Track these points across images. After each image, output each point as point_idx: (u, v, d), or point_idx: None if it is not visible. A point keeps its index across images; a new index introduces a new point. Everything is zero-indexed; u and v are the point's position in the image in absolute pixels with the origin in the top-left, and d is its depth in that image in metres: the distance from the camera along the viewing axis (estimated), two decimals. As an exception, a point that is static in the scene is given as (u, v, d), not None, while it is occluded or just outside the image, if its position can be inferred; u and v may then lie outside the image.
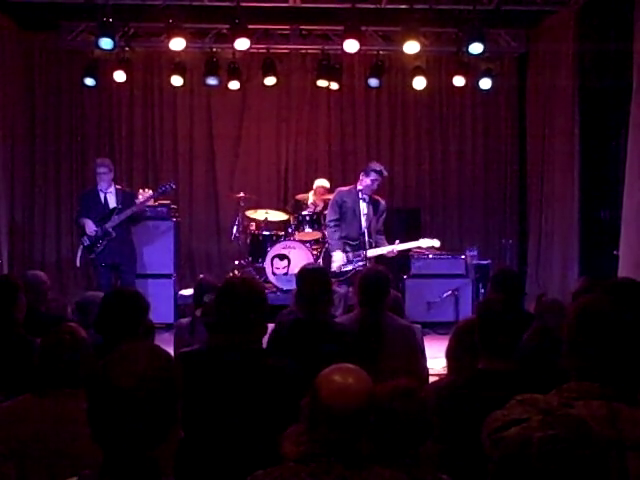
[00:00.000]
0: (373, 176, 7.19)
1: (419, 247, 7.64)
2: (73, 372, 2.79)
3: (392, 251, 7.25)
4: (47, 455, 2.63)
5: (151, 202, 8.41)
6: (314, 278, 4.00)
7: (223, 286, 3.23)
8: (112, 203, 7.93)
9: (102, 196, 7.94)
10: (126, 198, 8.01)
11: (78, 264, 8.12)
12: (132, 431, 1.64)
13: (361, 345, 3.86)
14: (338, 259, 7.24)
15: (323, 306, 3.92)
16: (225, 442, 2.84)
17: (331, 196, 7.97)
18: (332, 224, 7.40)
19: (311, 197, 9.57)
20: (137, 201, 7.95)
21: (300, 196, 9.85)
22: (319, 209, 9.23)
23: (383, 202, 7.49)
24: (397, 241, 7.32)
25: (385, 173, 7.41)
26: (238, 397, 2.89)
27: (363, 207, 7.22)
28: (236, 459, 2.82)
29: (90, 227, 7.78)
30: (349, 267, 7.19)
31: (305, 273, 4.12)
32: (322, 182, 9.59)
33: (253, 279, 3.32)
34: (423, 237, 7.78)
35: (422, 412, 2.45)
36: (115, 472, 1.67)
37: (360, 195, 7.23)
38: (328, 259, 7.45)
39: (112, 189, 7.99)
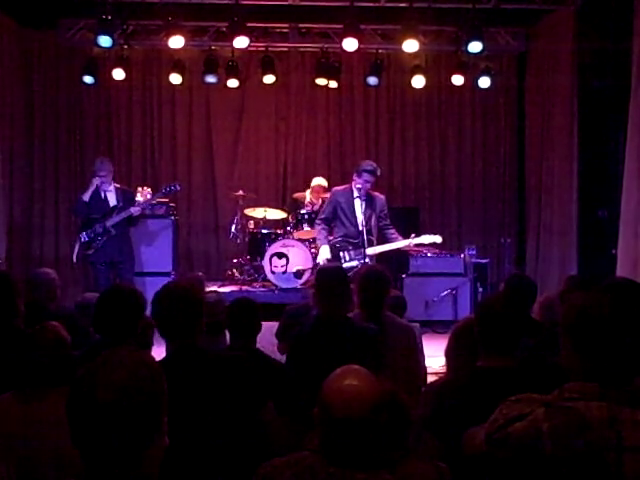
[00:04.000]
0: (366, 176, 7.18)
1: (421, 243, 7.64)
2: (55, 370, 2.79)
3: (409, 245, 7.30)
4: (29, 454, 2.63)
5: (150, 202, 8.41)
6: (334, 276, 4.02)
7: (164, 292, 3.14)
8: (112, 201, 7.93)
9: (102, 194, 7.94)
10: (126, 196, 8.02)
11: (75, 260, 8.11)
12: (112, 441, 1.60)
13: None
14: (323, 253, 7.27)
15: (343, 304, 3.93)
16: (202, 448, 2.83)
17: (328, 195, 7.99)
18: (319, 221, 7.47)
19: (308, 196, 9.57)
20: (137, 203, 7.93)
21: (297, 195, 9.86)
22: (317, 207, 9.23)
23: (381, 197, 7.46)
24: (413, 235, 7.33)
25: (378, 172, 7.39)
26: (208, 399, 2.87)
27: (359, 206, 7.23)
28: (216, 464, 2.81)
29: (86, 195, 7.80)
30: (353, 263, 7.19)
31: (324, 271, 4.14)
32: (320, 181, 9.58)
33: (190, 284, 3.31)
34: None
35: (402, 416, 2.45)
36: None
37: (355, 194, 7.24)
38: (331, 257, 7.44)
39: (112, 187, 7.99)
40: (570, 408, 1.67)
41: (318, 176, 9.84)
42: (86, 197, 7.86)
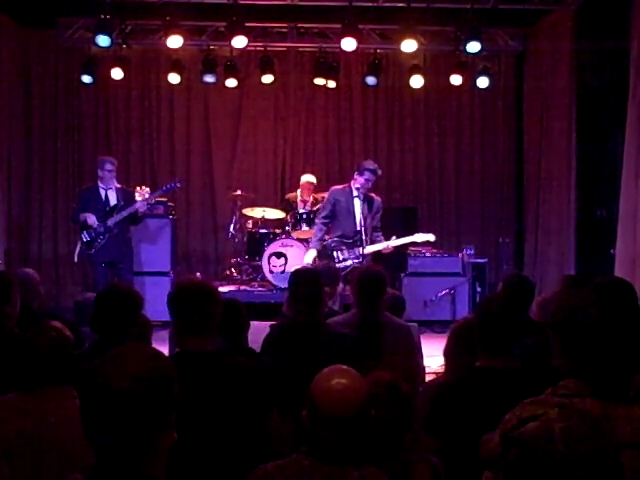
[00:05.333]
0: (367, 175, 7.20)
1: (414, 242, 7.64)
2: (58, 370, 2.79)
3: (387, 247, 7.26)
4: (33, 453, 2.62)
5: (151, 200, 8.40)
6: (305, 280, 3.99)
7: (178, 291, 3.15)
8: (113, 201, 7.90)
9: (103, 193, 7.91)
10: (126, 196, 7.98)
11: (76, 259, 8.09)
12: (125, 432, 1.62)
13: (360, 345, 3.85)
14: (308, 258, 7.26)
15: (315, 308, 3.91)
16: (208, 446, 2.82)
17: (324, 193, 8.00)
18: (319, 221, 7.46)
19: (299, 194, 9.60)
20: (138, 200, 7.91)
21: (289, 195, 9.88)
22: (309, 205, 9.26)
23: (378, 199, 7.49)
24: (393, 237, 7.32)
25: (379, 172, 7.42)
26: (213, 400, 2.86)
27: (358, 205, 7.24)
28: (221, 461, 2.81)
29: (92, 219, 7.74)
30: (347, 263, 7.19)
31: (296, 275, 4.12)
32: (308, 177, 9.60)
33: (205, 281, 3.32)
34: (420, 235, 7.76)
35: (405, 403, 2.46)
36: (107, 475, 1.65)
37: (354, 193, 7.25)
38: (324, 257, 7.44)
39: (113, 187, 7.96)
40: (584, 410, 1.69)
41: (307, 173, 9.82)
42: (89, 221, 7.78)
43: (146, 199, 7.95)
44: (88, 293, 5.40)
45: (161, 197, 8.96)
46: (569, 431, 1.58)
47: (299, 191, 9.62)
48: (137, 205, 7.83)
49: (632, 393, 2.05)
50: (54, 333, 2.89)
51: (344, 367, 2.20)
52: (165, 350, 4.17)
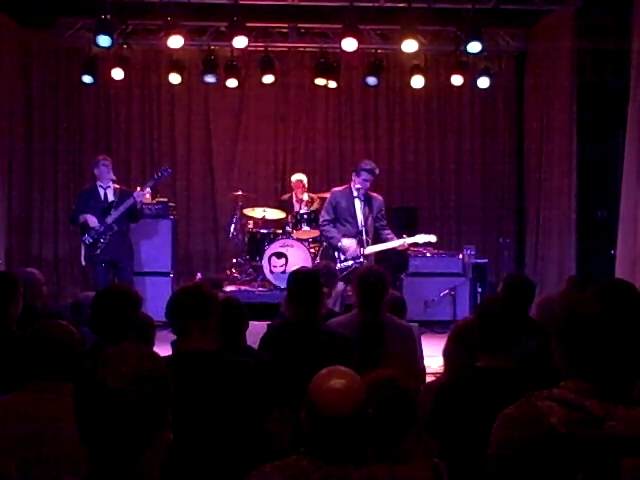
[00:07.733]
0: (364, 175, 7.20)
1: (415, 243, 7.65)
2: (59, 365, 2.78)
3: (403, 244, 7.30)
4: (35, 453, 2.62)
5: (149, 197, 8.36)
6: (303, 280, 3.99)
7: (174, 294, 3.19)
8: (111, 198, 7.89)
9: (102, 192, 7.89)
10: (124, 196, 7.96)
11: (84, 262, 8.04)
12: (121, 433, 1.60)
13: (361, 346, 3.85)
14: (350, 243, 7.20)
15: (313, 308, 3.91)
16: (206, 446, 2.82)
17: (323, 193, 7.99)
18: (325, 223, 7.41)
19: (293, 194, 9.61)
20: (136, 193, 7.88)
21: (284, 197, 9.90)
22: (305, 204, 9.26)
23: (380, 198, 7.49)
24: (404, 235, 7.35)
25: (377, 171, 7.41)
26: (211, 399, 2.86)
27: (358, 206, 7.25)
28: (219, 461, 2.81)
29: (92, 220, 7.73)
30: (348, 263, 7.19)
31: (295, 276, 4.12)
32: (298, 176, 9.63)
33: (204, 286, 3.35)
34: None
35: (405, 397, 2.47)
36: (102, 476, 1.63)
37: (355, 194, 7.24)
38: (326, 257, 7.44)
39: (111, 187, 7.95)
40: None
41: (302, 173, 9.83)
42: (90, 223, 7.77)
43: (141, 189, 7.92)
44: (81, 293, 5.39)
45: (160, 197, 8.94)
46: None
47: (293, 192, 9.65)
48: (134, 195, 7.80)
49: (636, 395, 2.05)
50: (56, 329, 2.89)
51: (342, 368, 2.21)
52: (167, 351, 4.18)
